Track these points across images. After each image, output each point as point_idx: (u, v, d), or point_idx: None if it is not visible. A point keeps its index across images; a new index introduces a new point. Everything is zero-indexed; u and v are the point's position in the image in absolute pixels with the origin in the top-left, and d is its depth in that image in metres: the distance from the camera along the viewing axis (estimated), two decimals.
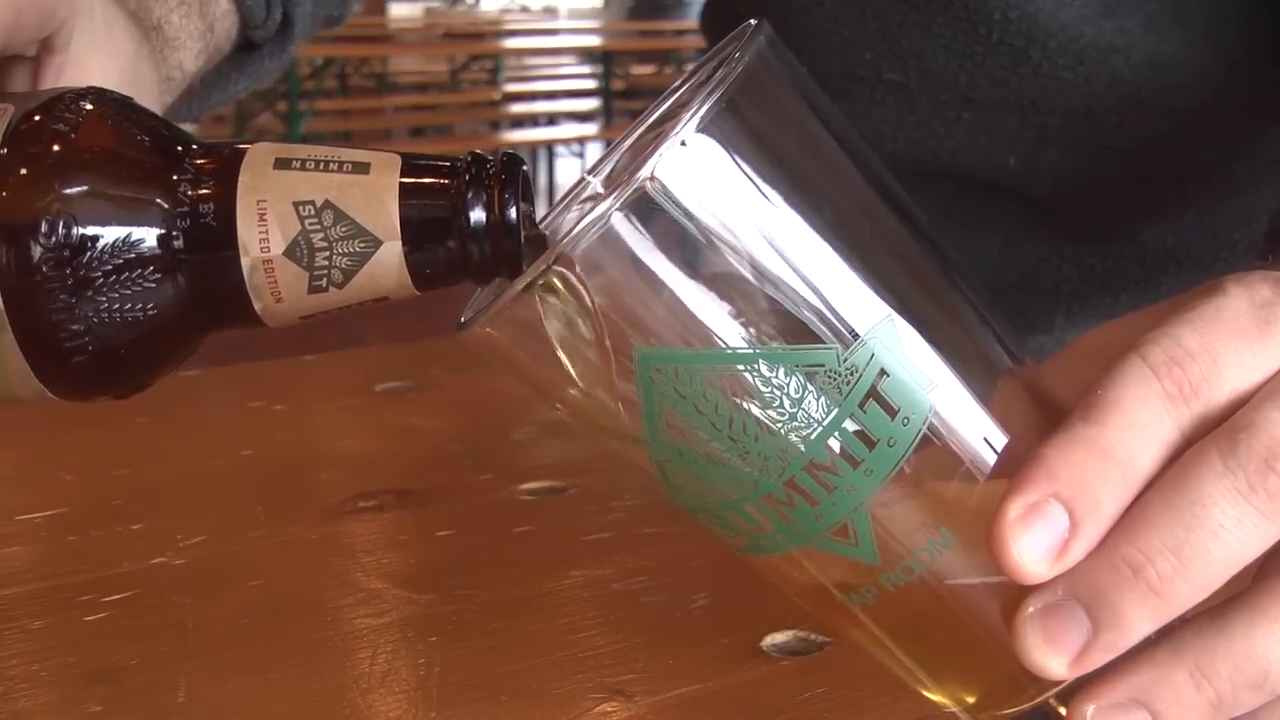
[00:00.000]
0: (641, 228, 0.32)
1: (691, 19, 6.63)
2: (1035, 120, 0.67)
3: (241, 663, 0.46)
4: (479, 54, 6.57)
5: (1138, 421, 0.32)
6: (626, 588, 0.51)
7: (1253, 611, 0.32)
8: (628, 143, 0.39)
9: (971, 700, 0.37)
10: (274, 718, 0.43)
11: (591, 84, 6.59)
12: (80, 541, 0.55)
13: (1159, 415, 0.33)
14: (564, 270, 0.32)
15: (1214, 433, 0.32)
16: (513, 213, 0.34)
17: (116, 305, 0.33)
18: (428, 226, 0.34)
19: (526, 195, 0.34)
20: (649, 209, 0.32)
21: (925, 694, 0.38)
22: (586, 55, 6.93)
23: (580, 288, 0.32)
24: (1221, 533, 0.31)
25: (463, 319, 0.36)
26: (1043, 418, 0.36)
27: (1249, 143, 0.68)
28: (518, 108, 6.34)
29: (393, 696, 0.44)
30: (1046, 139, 0.67)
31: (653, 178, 0.31)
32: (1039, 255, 0.73)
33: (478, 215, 0.34)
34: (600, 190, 0.39)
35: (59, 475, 0.62)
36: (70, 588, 0.51)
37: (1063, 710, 0.34)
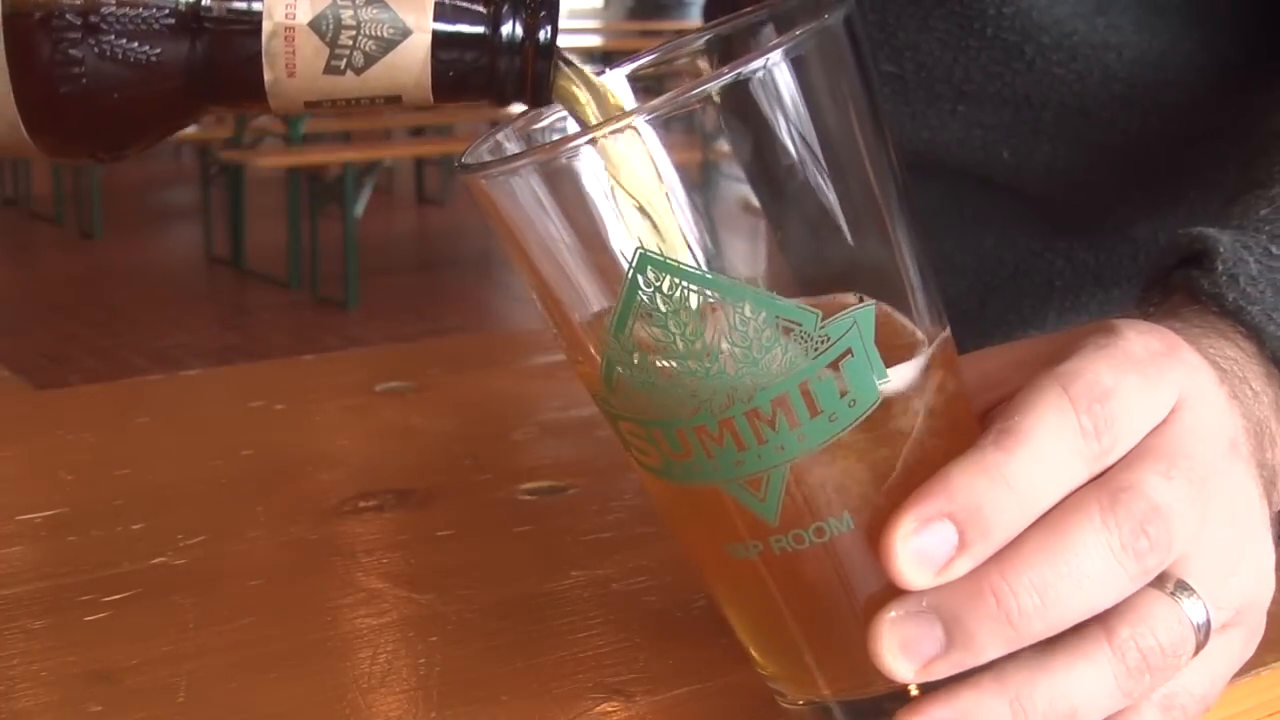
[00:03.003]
0: (704, 125, 0.32)
1: (691, 19, 6.63)
2: (1029, 115, 0.67)
3: (241, 663, 0.46)
4: None
5: (1047, 455, 0.34)
6: (626, 588, 0.51)
7: (1073, 654, 0.34)
8: (650, 56, 0.40)
9: (798, 679, 0.38)
10: (274, 718, 0.43)
11: None
12: (80, 541, 0.55)
13: (1070, 450, 0.34)
14: (641, 129, 0.32)
15: (1098, 483, 0.34)
16: (547, 33, 0.33)
17: (122, 41, 0.32)
18: (461, 27, 0.33)
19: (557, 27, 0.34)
20: (733, 106, 0.32)
21: (761, 662, 0.39)
22: (586, 55, 6.93)
23: (648, 151, 0.32)
24: (1086, 583, 0.33)
25: (464, 159, 0.35)
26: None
27: (1240, 140, 0.68)
28: (518, 107, 6.33)
29: (393, 696, 0.44)
30: (1040, 134, 0.68)
31: (765, 67, 0.32)
32: (1032, 250, 0.73)
33: (512, 29, 0.33)
34: (624, 83, 0.39)
35: (59, 475, 0.62)
36: (70, 588, 0.51)
37: (915, 692, 0.35)
